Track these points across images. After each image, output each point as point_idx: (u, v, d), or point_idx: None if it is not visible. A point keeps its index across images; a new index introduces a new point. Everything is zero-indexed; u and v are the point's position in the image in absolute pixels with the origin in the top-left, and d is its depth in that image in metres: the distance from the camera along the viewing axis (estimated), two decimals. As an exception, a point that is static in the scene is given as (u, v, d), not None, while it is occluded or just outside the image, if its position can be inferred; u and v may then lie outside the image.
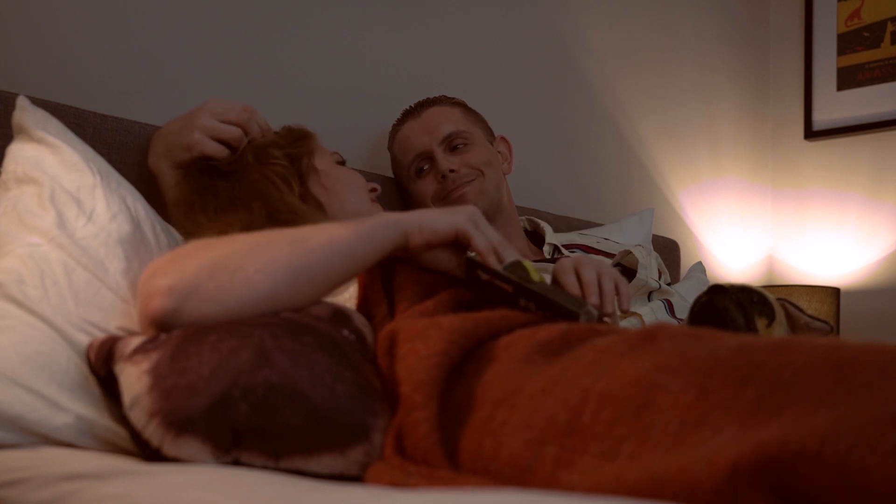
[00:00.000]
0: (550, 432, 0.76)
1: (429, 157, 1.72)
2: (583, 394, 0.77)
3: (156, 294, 0.92)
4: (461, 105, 1.81)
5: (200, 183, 1.29)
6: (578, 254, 1.76)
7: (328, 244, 1.00)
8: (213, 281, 0.93)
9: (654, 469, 0.67)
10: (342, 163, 1.43)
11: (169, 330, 0.91)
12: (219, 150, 1.30)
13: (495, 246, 1.07)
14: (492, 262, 1.06)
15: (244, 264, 0.95)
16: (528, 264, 1.06)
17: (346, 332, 0.97)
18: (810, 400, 0.64)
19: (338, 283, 1.03)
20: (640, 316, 1.66)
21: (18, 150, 1.13)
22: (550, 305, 1.02)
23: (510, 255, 1.07)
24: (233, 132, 1.30)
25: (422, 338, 0.90)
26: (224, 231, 1.10)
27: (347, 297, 1.12)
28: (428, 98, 1.80)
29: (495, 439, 0.80)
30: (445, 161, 1.70)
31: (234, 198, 1.26)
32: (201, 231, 1.16)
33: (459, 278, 1.10)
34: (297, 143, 1.35)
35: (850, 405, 0.61)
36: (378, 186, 1.45)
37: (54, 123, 1.17)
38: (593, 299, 1.11)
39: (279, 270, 0.96)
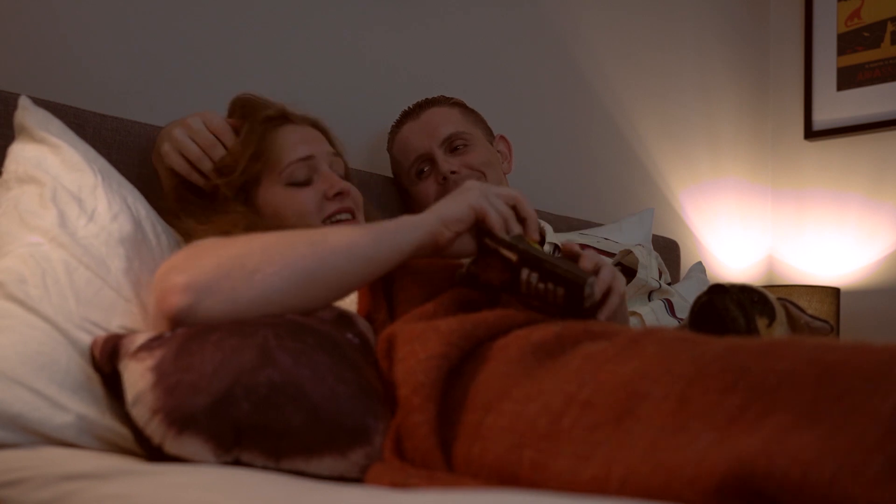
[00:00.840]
0: (529, 437, 0.76)
1: (429, 158, 1.72)
2: (566, 400, 0.77)
3: (173, 291, 0.92)
4: (460, 105, 1.81)
5: (179, 192, 1.29)
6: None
7: (347, 248, 0.99)
8: (229, 280, 0.93)
9: (632, 472, 0.66)
10: (300, 181, 1.28)
11: (183, 326, 0.91)
12: (182, 168, 1.28)
13: (507, 219, 1.08)
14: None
15: (261, 265, 0.95)
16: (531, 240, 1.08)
17: (349, 336, 0.97)
18: (794, 409, 0.63)
19: (354, 287, 1.02)
20: (640, 315, 1.66)
21: (20, 150, 1.14)
22: (554, 275, 1.01)
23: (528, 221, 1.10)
24: (193, 153, 1.28)
25: (420, 340, 0.90)
26: (225, 231, 1.10)
27: (349, 301, 1.11)
28: (427, 99, 1.79)
29: (483, 444, 0.80)
30: (446, 163, 1.70)
31: (216, 203, 1.26)
32: (197, 234, 1.16)
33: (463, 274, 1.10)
34: (248, 164, 1.27)
35: (835, 423, 0.60)
36: (347, 188, 1.29)
37: (56, 123, 1.17)
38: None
39: (295, 273, 0.96)
